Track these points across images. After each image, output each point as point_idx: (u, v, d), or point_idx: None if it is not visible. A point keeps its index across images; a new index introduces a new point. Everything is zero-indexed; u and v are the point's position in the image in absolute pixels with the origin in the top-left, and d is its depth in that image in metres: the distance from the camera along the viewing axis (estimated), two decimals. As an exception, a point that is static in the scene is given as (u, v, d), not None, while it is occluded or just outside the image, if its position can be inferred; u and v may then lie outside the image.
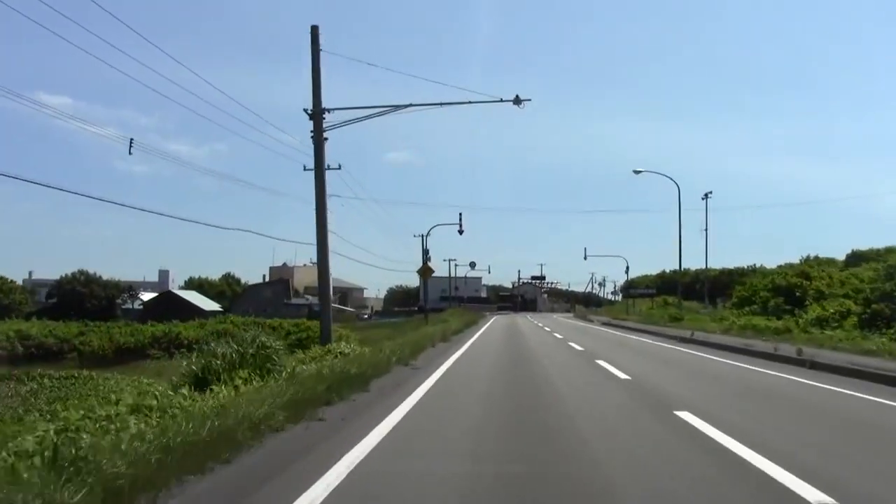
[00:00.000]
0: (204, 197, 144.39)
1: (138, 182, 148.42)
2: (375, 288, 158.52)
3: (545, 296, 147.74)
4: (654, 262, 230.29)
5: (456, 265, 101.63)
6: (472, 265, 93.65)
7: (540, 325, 48.03)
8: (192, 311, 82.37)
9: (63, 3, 14.48)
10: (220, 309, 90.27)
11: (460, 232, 41.59)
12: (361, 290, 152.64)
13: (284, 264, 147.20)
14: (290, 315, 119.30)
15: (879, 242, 67.07)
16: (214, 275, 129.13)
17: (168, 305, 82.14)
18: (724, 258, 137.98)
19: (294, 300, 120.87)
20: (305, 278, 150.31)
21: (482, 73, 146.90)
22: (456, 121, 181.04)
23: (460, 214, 39.31)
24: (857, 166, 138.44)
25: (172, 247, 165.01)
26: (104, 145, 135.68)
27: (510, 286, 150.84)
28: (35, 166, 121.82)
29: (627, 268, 70.35)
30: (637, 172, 46.43)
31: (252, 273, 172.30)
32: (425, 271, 40.87)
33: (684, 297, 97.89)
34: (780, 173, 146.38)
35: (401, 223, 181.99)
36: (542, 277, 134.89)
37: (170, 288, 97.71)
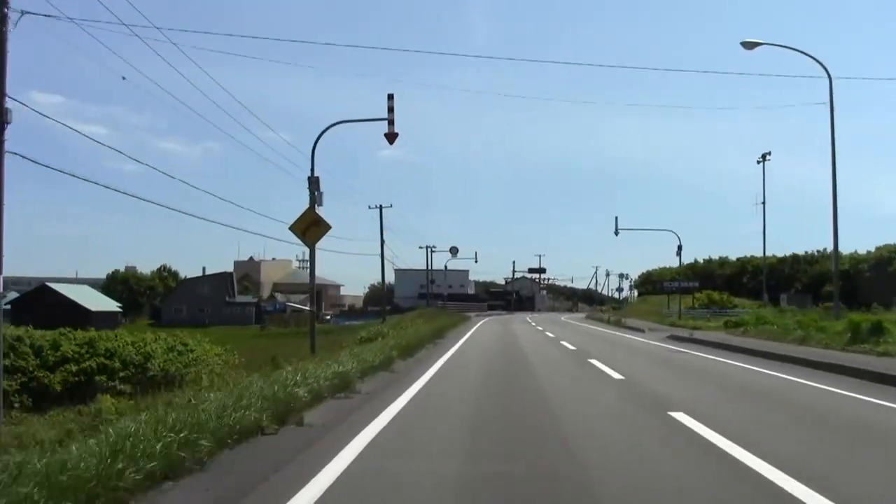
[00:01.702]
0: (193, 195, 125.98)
1: (129, 180, 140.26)
2: (362, 285, 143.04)
3: (544, 292, 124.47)
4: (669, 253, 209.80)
5: (432, 251, 78.39)
6: (454, 251, 70.51)
7: (566, 344, 24.40)
8: (75, 311, 59.29)
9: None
10: (118, 309, 67.09)
11: (390, 138, 17.88)
12: (338, 286, 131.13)
13: (251, 258, 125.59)
14: (232, 316, 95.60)
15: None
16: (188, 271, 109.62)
17: (42, 305, 59.16)
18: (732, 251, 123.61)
19: (239, 298, 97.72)
20: (274, 274, 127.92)
21: (482, 72, 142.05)
22: (452, 117, 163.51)
23: (390, 98, 15.52)
24: (856, 165, 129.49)
25: (144, 241, 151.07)
26: (94, 144, 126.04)
27: (502, 283, 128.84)
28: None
29: (680, 247, 44.84)
30: (750, 46, 23.24)
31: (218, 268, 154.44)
32: (306, 229, 17.03)
33: (731, 293, 75.37)
34: (780, 172, 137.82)
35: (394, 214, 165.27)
36: (542, 270, 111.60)
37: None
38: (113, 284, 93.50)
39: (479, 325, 43.02)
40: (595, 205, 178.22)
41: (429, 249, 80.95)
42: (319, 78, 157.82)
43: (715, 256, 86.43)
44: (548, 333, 31.16)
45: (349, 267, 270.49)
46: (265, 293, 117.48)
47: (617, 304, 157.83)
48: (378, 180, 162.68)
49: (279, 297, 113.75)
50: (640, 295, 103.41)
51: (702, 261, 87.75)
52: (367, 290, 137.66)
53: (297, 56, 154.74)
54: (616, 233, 45.15)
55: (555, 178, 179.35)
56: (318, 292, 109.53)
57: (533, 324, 44.33)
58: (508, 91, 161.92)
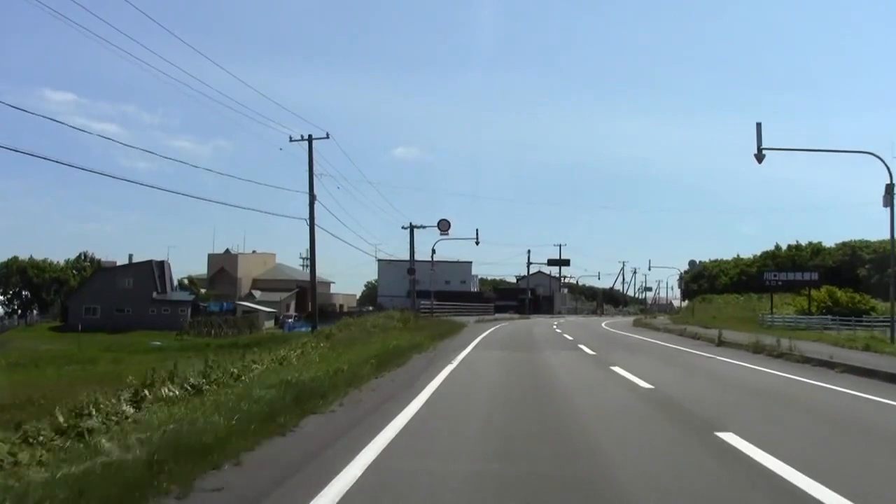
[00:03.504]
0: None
1: (141, 177, 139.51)
2: (361, 283, 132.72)
3: (565, 291, 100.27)
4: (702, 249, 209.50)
5: (411, 228, 54.07)
6: (444, 226, 46.09)
7: None
8: None
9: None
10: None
11: None
12: (328, 284, 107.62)
13: (227, 251, 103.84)
14: (160, 317, 71.83)
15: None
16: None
17: None
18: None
19: (173, 295, 74.72)
20: (253, 269, 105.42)
21: (486, 71, 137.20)
22: (462, 116, 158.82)
23: None
24: (856, 165, 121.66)
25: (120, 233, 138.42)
26: (108, 142, 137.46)
27: (514, 281, 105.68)
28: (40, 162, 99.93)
29: (892, 185, 19.96)
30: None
31: (192, 263, 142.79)
32: None
33: (855, 289, 49.96)
34: (782, 171, 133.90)
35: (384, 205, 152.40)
36: (565, 262, 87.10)
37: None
38: (8, 276, 70.47)
39: (468, 351, 19.42)
40: (610, 202, 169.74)
41: (412, 228, 56.77)
42: (327, 76, 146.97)
43: (803, 241, 62.11)
44: (740, 445, 7.11)
45: (347, 264, 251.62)
46: (243, 290, 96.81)
47: (642, 306, 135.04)
48: (390, 178, 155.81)
49: (258, 294, 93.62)
50: (686, 295, 78.92)
51: (785, 247, 63.60)
52: (364, 288, 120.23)
53: (306, 54, 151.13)
54: (759, 157, 21.28)
55: (566, 176, 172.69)
56: (305, 290, 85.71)
57: (588, 350, 20.45)
58: (516, 90, 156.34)
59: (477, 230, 52.15)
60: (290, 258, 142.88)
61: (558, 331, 33.45)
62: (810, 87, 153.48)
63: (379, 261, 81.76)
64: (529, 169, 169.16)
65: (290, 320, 76.85)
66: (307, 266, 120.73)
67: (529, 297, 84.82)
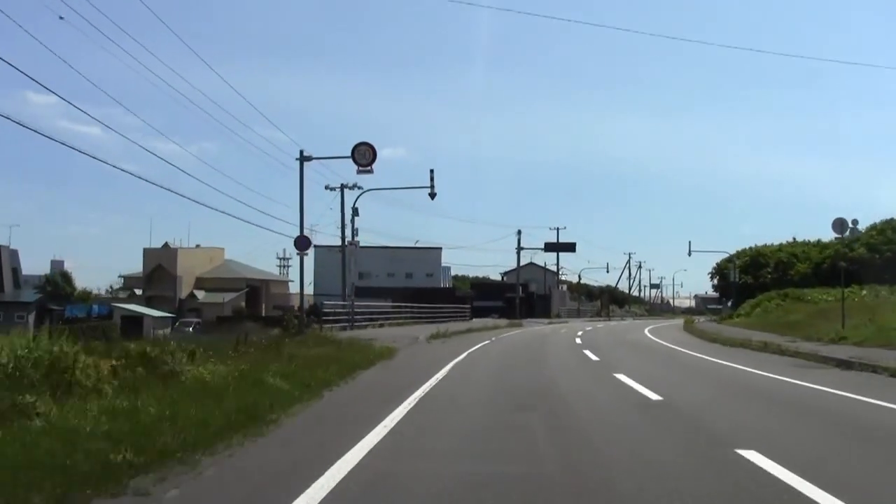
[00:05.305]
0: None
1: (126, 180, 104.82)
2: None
3: (564, 288, 79.24)
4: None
5: (344, 188, 32.21)
6: (363, 159, 24.09)
7: None
8: None
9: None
10: None
11: None
12: (286, 282, 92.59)
13: (165, 244, 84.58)
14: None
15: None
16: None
17: None
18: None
19: (16, 295, 52.93)
20: (197, 266, 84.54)
21: (484, 71, 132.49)
22: (453, 116, 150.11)
23: None
24: (860, 162, 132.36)
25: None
26: (91, 144, 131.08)
27: (500, 279, 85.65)
28: (22, 163, 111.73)
29: None
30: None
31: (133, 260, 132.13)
32: None
33: None
34: (782, 168, 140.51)
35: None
36: (569, 246, 65.91)
37: None
38: None
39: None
40: (608, 200, 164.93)
41: (341, 188, 35.12)
42: (322, 77, 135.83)
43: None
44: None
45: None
46: (184, 290, 77.25)
47: (647, 306, 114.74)
48: (381, 175, 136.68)
49: (201, 295, 74.98)
50: (734, 291, 57.26)
51: (879, 223, 43.36)
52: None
53: (298, 55, 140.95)
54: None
55: (561, 177, 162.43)
56: (257, 289, 64.00)
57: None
58: (515, 90, 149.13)
59: (431, 171, 30.70)
60: (259, 260, 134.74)
61: (627, 381, 12.05)
62: (813, 83, 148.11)
63: (316, 247, 61.43)
64: (525, 167, 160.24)
65: (188, 328, 55.37)
66: (285, 265, 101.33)
67: (520, 294, 63.37)
